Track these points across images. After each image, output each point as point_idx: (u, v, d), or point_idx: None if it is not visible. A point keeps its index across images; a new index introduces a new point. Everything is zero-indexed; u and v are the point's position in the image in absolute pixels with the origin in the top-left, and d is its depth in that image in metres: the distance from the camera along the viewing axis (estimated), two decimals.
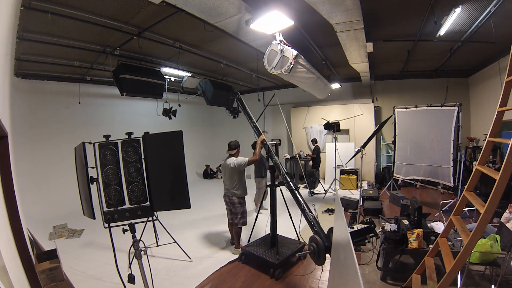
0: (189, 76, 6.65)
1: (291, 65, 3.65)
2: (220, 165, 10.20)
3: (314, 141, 8.11)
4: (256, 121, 3.87)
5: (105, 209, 2.37)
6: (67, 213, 5.35)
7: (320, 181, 7.91)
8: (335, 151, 6.63)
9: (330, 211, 5.43)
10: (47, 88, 5.97)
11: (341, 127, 6.87)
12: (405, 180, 6.57)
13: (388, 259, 3.00)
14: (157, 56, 5.55)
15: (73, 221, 5.01)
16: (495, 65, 5.72)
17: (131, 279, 2.35)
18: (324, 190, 6.99)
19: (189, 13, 2.99)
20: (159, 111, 6.52)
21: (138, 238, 2.45)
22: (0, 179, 1.80)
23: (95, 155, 2.34)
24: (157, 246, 3.83)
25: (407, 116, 6.42)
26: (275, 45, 3.61)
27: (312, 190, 6.98)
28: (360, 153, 4.26)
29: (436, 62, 6.50)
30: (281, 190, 3.62)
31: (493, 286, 2.59)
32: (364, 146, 4.25)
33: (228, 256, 3.72)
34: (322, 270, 3.28)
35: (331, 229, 2.65)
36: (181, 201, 2.45)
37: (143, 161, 2.51)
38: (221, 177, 10.08)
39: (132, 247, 2.41)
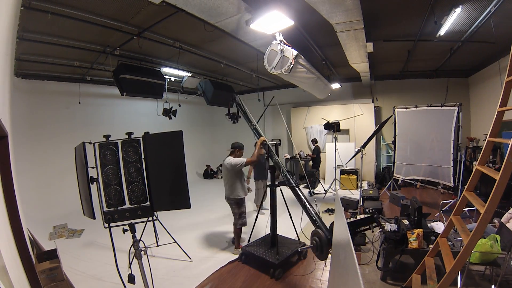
0: (189, 76, 6.65)
1: (291, 65, 3.65)
2: (220, 165, 10.23)
3: (314, 141, 8.11)
4: (257, 123, 3.87)
5: (105, 209, 2.37)
6: (67, 213, 5.35)
7: (320, 181, 7.92)
8: (335, 151, 6.62)
9: (330, 211, 5.43)
10: (47, 88, 5.97)
11: (341, 127, 6.87)
12: (405, 180, 6.57)
13: (388, 259, 3.00)
14: (157, 56, 5.55)
15: (73, 221, 5.01)
16: (495, 65, 5.72)
17: (131, 279, 2.35)
18: (324, 190, 6.99)
19: (189, 13, 2.99)
20: (159, 111, 6.52)
21: (138, 238, 2.45)
22: (0, 179, 1.80)
23: (95, 155, 2.34)
24: (157, 246, 3.83)
25: (407, 116, 6.42)
26: (275, 45, 3.61)
27: (312, 190, 6.98)
28: (360, 153, 4.27)
29: (436, 62, 6.50)
30: (281, 190, 3.62)
31: (493, 286, 2.59)
32: (364, 146, 4.26)
33: (228, 256, 3.72)
34: (325, 265, 3.28)
35: (333, 223, 2.64)
36: (181, 201, 2.45)
37: (143, 161, 2.51)
38: (221, 177, 10.11)
39: (132, 247, 2.41)
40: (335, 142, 6.66)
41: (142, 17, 3.67)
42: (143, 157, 2.51)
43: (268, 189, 3.67)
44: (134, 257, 2.41)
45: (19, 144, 5.00)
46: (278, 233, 3.59)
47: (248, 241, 3.86)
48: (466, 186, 2.29)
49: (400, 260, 3.04)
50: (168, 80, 6.13)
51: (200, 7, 2.83)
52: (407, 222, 3.10)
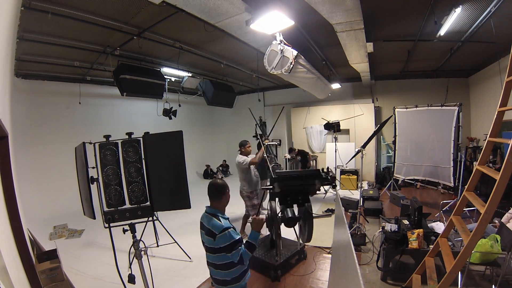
0: (189, 76, 6.65)
1: (291, 65, 3.65)
2: (220, 165, 10.24)
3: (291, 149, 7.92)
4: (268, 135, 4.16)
5: (105, 209, 2.38)
6: (67, 213, 5.35)
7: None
8: (335, 151, 6.62)
9: (330, 211, 5.43)
10: (47, 88, 5.98)
11: (341, 127, 6.87)
12: (405, 180, 6.57)
13: (388, 259, 3.00)
14: (157, 56, 5.55)
15: (73, 221, 5.02)
16: (495, 65, 5.71)
17: (131, 279, 2.35)
18: (324, 190, 6.99)
19: (189, 13, 2.99)
20: (159, 111, 6.53)
21: (138, 238, 2.45)
22: (0, 179, 1.80)
23: (95, 155, 2.34)
24: (158, 246, 3.84)
25: (408, 116, 6.42)
26: (275, 45, 3.61)
27: None
28: (360, 153, 4.25)
29: (436, 62, 6.50)
30: None
31: (493, 286, 2.58)
32: (364, 146, 4.24)
33: None
34: (332, 263, 3.28)
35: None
36: (181, 201, 2.45)
37: (143, 161, 2.51)
38: (222, 177, 10.12)
39: (132, 247, 2.42)
40: (335, 142, 6.66)
41: (142, 17, 3.67)
42: (143, 157, 2.51)
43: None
44: (134, 257, 2.41)
45: (19, 144, 5.01)
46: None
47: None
48: (466, 186, 2.29)
49: (400, 260, 3.04)
50: (168, 80, 6.14)
51: (200, 7, 2.83)
52: (407, 222, 3.10)
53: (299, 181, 1.57)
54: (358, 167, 6.79)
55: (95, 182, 2.25)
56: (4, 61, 2.08)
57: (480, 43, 4.77)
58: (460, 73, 7.21)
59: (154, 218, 2.71)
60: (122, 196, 2.43)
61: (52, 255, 2.72)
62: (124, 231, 2.35)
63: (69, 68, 5.49)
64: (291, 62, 3.62)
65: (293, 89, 8.01)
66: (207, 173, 9.70)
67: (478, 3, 3.45)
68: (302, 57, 4.08)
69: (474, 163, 5.71)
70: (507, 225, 3.01)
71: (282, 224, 2.35)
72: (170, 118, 6.58)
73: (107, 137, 2.41)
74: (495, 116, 2.07)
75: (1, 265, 1.39)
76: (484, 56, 5.76)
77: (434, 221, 3.39)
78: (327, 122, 6.78)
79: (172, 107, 6.54)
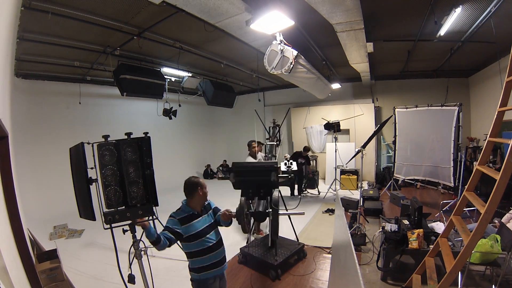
0: (190, 76, 6.65)
1: (292, 65, 3.65)
2: (220, 165, 10.24)
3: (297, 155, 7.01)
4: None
5: (105, 210, 2.37)
6: (67, 213, 5.33)
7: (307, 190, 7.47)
8: (335, 151, 6.62)
9: (330, 211, 5.43)
10: (48, 88, 5.98)
11: (341, 127, 6.87)
12: (405, 180, 6.57)
13: (388, 259, 3.00)
14: (158, 56, 5.55)
15: (73, 221, 5.01)
16: (495, 65, 5.71)
17: (131, 279, 2.35)
18: (318, 191, 6.98)
19: (190, 13, 2.99)
20: (159, 111, 6.53)
21: (138, 238, 2.45)
22: (0, 179, 1.80)
23: (93, 156, 2.32)
24: None
25: (408, 116, 6.42)
26: (275, 45, 3.61)
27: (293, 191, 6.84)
28: (360, 153, 4.25)
29: (437, 62, 6.50)
30: (279, 190, 3.62)
31: (493, 286, 2.58)
32: (364, 146, 4.24)
33: (228, 256, 3.71)
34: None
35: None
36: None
37: (143, 161, 2.50)
38: (221, 177, 10.10)
39: (132, 247, 2.41)
40: (335, 142, 6.66)
41: (142, 17, 3.67)
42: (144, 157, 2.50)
43: None
44: (134, 257, 2.40)
45: (19, 144, 5.01)
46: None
47: (247, 242, 3.86)
48: (466, 186, 2.29)
49: (401, 260, 3.04)
50: (168, 80, 6.14)
51: (200, 7, 2.83)
52: (408, 222, 3.10)
53: (254, 174, 1.55)
54: (358, 167, 6.79)
55: (93, 183, 2.23)
56: (4, 61, 2.08)
57: (480, 43, 4.77)
58: (460, 73, 7.21)
59: (154, 217, 2.70)
60: (121, 197, 2.42)
61: (52, 255, 2.72)
62: (124, 231, 2.35)
63: (69, 68, 5.50)
64: (291, 62, 3.62)
65: (293, 89, 8.02)
66: (207, 173, 9.71)
67: (478, 3, 3.45)
68: (302, 57, 4.08)
69: (474, 163, 5.71)
70: (507, 225, 3.01)
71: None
72: (170, 118, 6.58)
73: (105, 137, 2.40)
74: (495, 116, 2.07)
75: (1, 265, 1.39)
76: (484, 56, 5.76)
77: (434, 221, 3.39)
78: (327, 122, 6.78)
79: (172, 107, 6.54)
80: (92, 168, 2.28)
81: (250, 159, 4.09)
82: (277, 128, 4.17)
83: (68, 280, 2.76)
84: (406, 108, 6.40)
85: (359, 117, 7.90)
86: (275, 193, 2.29)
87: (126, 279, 2.35)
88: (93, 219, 2.18)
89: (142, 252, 2.43)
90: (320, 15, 3.14)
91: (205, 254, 1.88)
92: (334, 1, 2.81)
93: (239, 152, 9.88)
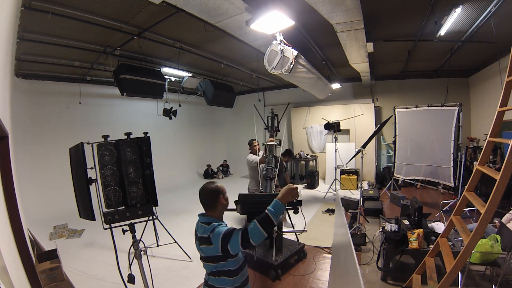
0: (190, 76, 6.66)
1: (292, 65, 3.65)
2: (220, 165, 10.24)
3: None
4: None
5: (105, 209, 2.37)
6: (67, 213, 5.34)
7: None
8: (335, 151, 6.62)
9: (330, 211, 5.43)
10: (48, 88, 5.98)
11: (341, 127, 6.86)
12: (405, 180, 6.57)
13: (388, 259, 2.99)
14: (158, 56, 5.55)
15: (73, 221, 5.01)
16: (496, 65, 5.71)
17: (131, 279, 2.36)
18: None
19: (190, 13, 2.99)
20: (159, 111, 6.54)
21: (138, 238, 2.45)
22: (0, 179, 1.80)
23: (93, 156, 2.33)
24: (158, 246, 3.83)
25: (408, 116, 6.41)
26: (275, 45, 3.61)
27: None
28: (360, 153, 4.25)
29: (437, 62, 6.49)
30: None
31: (493, 286, 2.58)
32: (364, 146, 4.24)
33: None
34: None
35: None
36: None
37: (143, 161, 2.50)
38: (222, 177, 10.10)
39: (132, 247, 2.42)
40: (335, 142, 6.66)
41: (142, 17, 3.67)
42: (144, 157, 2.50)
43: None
44: (134, 257, 2.41)
45: (19, 144, 5.01)
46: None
47: None
48: (466, 186, 2.29)
49: (401, 260, 3.04)
50: (168, 80, 6.14)
51: (200, 7, 2.83)
52: (408, 222, 3.10)
53: (260, 205, 1.60)
54: (358, 167, 6.79)
55: (93, 183, 2.24)
56: (4, 61, 2.08)
57: (480, 43, 4.76)
58: (460, 73, 7.21)
59: (154, 217, 2.71)
60: (121, 197, 2.42)
61: (52, 255, 2.72)
62: (124, 231, 2.35)
63: (69, 68, 5.49)
64: (291, 62, 3.62)
65: (293, 89, 8.01)
66: (208, 173, 9.70)
67: (478, 3, 3.45)
68: (302, 57, 4.08)
69: (474, 163, 5.71)
70: (507, 225, 3.01)
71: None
72: (170, 118, 6.58)
73: (105, 137, 2.40)
74: (495, 116, 2.07)
75: (1, 265, 1.39)
76: (484, 56, 5.76)
77: (434, 221, 3.39)
78: (327, 122, 6.78)
79: (172, 107, 6.54)
80: (92, 168, 2.29)
81: (252, 157, 4.14)
82: (276, 118, 4.17)
83: (68, 280, 2.76)
84: (406, 108, 6.40)
85: (359, 117, 7.90)
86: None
87: (126, 279, 2.35)
88: (93, 219, 2.19)
89: (142, 252, 2.43)
90: (320, 15, 3.14)
91: (242, 269, 1.59)
92: (334, 1, 2.81)
93: (239, 152, 9.88)
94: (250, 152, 4.31)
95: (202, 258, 1.56)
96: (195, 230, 1.63)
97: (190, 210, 5.80)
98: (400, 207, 4.79)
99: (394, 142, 6.63)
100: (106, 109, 7.23)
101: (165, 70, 5.89)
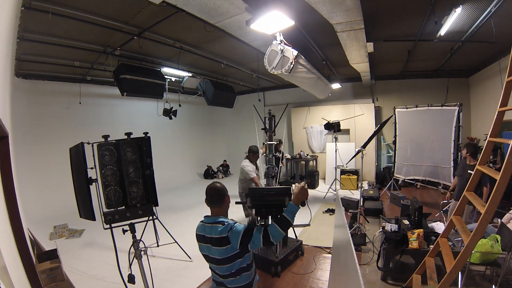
0: (190, 76, 6.65)
1: (292, 65, 3.65)
2: (220, 165, 10.23)
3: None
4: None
5: (105, 209, 2.37)
6: (67, 213, 5.34)
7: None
8: (336, 151, 6.62)
9: (330, 211, 5.43)
10: (48, 88, 5.98)
11: (341, 127, 6.87)
12: (405, 180, 6.57)
13: (388, 259, 3.00)
14: (158, 56, 5.55)
15: (73, 221, 5.01)
16: (496, 65, 5.71)
17: (131, 279, 2.35)
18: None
19: (190, 13, 2.99)
20: (159, 111, 6.53)
21: (138, 238, 2.45)
22: (0, 179, 1.81)
23: (93, 156, 2.33)
24: (158, 246, 3.83)
25: (408, 116, 6.41)
26: (275, 45, 3.61)
27: None
28: (360, 153, 4.25)
29: (437, 62, 6.49)
30: None
31: (493, 286, 2.58)
32: (364, 146, 4.24)
33: None
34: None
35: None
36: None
37: (143, 161, 2.50)
38: (222, 177, 10.09)
39: (132, 247, 2.42)
40: (336, 142, 6.66)
41: (142, 17, 3.67)
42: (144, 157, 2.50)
43: None
44: (134, 257, 2.41)
45: (19, 144, 5.01)
46: None
47: None
48: (466, 186, 2.29)
49: (401, 260, 3.04)
50: (169, 80, 6.14)
51: (201, 7, 2.83)
52: (408, 222, 3.10)
53: (270, 198, 1.65)
54: (358, 167, 6.79)
55: (93, 183, 2.23)
56: (4, 61, 2.08)
57: (480, 43, 4.76)
58: (460, 73, 7.21)
59: (154, 217, 2.71)
60: (121, 197, 2.42)
61: (52, 255, 2.72)
62: (124, 231, 2.35)
63: (70, 68, 5.50)
64: (291, 62, 3.62)
65: (293, 89, 8.02)
66: (208, 173, 9.70)
67: (478, 3, 3.45)
68: (302, 57, 4.08)
69: None
70: (508, 225, 3.01)
71: None
72: (170, 118, 6.58)
73: (105, 137, 2.40)
74: (495, 116, 2.07)
75: (1, 265, 1.39)
76: (484, 56, 5.76)
77: (434, 221, 3.39)
78: (327, 122, 6.78)
79: (172, 107, 6.54)
80: (92, 168, 2.28)
81: (248, 167, 3.95)
82: (273, 119, 4.14)
83: (68, 280, 2.77)
84: (406, 108, 6.40)
85: (359, 117, 7.90)
86: None
87: (126, 279, 2.35)
88: (93, 219, 2.18)
89: (142, 252, 2.43)
90: (320, 15, 3.14)
91: (252, 259, 1.65)
92: (334, 1, 2.81)
93: (239, 152, 9.86)
94: (246, 157, 4.09)
95: (215, 261, 1.54)
96: (199, 234, 1.62)
97: (190, 210, 5.81)
98: (400, 207, 4.79)
99: (394, 142, 6.63)
100: (106, 109, 7.23)
101: (165, 70, 5.89)
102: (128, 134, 2.51)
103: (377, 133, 5.09)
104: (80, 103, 6.32)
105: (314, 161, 8.62)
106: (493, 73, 5.89)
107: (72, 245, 4.22)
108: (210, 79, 7.02)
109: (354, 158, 5.46)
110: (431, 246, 2.71)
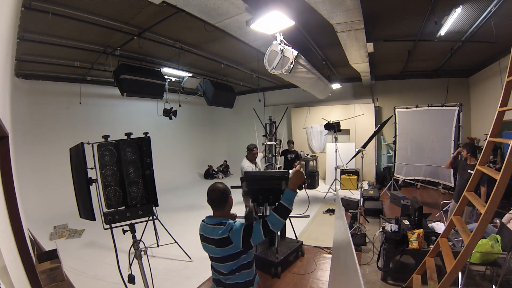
0: (190, 76, 6.66)
1: (292, 65, 3.65)
2: (220, 165, 10.23)
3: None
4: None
5: (105, 210, 2.37)
6: (67, 213, 5.34)
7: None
8: (336, 151, 6.62)
9: (330, 211, 5.43)
10: (48, 88, 5.98)
11: (341, 128, 6.87)
12: (405, 180, 6.57)
13: (388, 259, 2.99)
14: (158, 56, 5.56)
15: (73, 221, 5.01)
16: (496, 65, 5.71)
17: (131, 279, 2.35)
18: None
19: (190, 14, 2.99)
20: (159, 111, 6.54)
21: (138, 238, 2.45)
22: (0, 179, 1.81)
23: (93, 156, 2.32)
24: (158, 246, 3.83)
25: (408, 116, 6.42)
26: (275, 45, 3.61)
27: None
28: (360, 153, 4.26)
29: (437, 62, 6.49)
30: None
31: (493, 286, 2.58)
32: (364, 146, 4.24)
33: None
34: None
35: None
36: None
37: (143, 161, 2.50)
38: (222, 177, 10.08)
39: (132, 247, 2.41)
40: (336, 142, 6.66)
41: (142, 18, 3.67)
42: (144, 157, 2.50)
43: None
44: (134, 258, 2.41)
45: (19, 144, 5.00)
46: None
47: None
48: (466, 186, 2.29)
49: (401, 260, 3.03)
50: (169, 80, 6.14)
51: (201, 7, 2.83)
52: (408, 222, 3.10)
53: (266, 182, 1.58)
54: (359, 167, 6.79)
55: (93, 183, 2.23)
56: (4, 61, 2.08)
57: (480, 43, 4.76)
58: (460, 73, 7.21)
59: (154, 217, 2.71)
60: (121, 197, 2.42)
61: (53, 255, 2.72)
62: (124, 231, 2.35)
63: (70, 68, 5.50)
64: (292, 62, 3.62)
65: (293, 89, 8.02)
66: (208, 173, 9.70)
67: (478, 3, 3.45)
68: (302, 57, 4.08)
69: None
70: (508, 225, 3.01)
71: None
72: (171, 118, 6.59)
73: (105, 137, 2.40)
74: (496, 116, 2.07)
75: (2, 265, 1.39)
76: (484, 56, 5.76)
77: (434, 221, 3.39)
78: (327, 122, 6.78)
79: (172, 107, 6.55)
80: (92, 168, 2.28)
81: (247, 162, 3.99)
82: (274, 125, 4.14)
83: (68, 280, 2.76)
84: (406, 108, 6.40)
85: (359, 117, 7.90)
86: None
87: (126, 279, 2.35)
88: (93, 219, 2.18)
89: (142, 252, 2.43)
90: (320, 15, 3.14)
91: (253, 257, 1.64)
92: (334, 1, 2.81)
93: (239, 153, 9.86)
94: (246, 157, 4.14)
95: (218, 260, 1.54)
96: (201, 233, 1.62)
97: (191, 210, 5.81)
98: (400, 207, 4.79)
99: (394, 142, 6.63)
100: (106, 109, 7.23)
101: (165, 70, 5.90)
102: (128, 134, 2.51)
103: (377, 133, 5.10)
104: (80, 103, 6.32)
105: (314, 161, 8.62)
106: (493, 73, 5.89)
107: (72, 245, 4.22)
108: (210, 79, 7.02)
109: (354, 158, 5.47)
110: (431, 246, 2.71)
